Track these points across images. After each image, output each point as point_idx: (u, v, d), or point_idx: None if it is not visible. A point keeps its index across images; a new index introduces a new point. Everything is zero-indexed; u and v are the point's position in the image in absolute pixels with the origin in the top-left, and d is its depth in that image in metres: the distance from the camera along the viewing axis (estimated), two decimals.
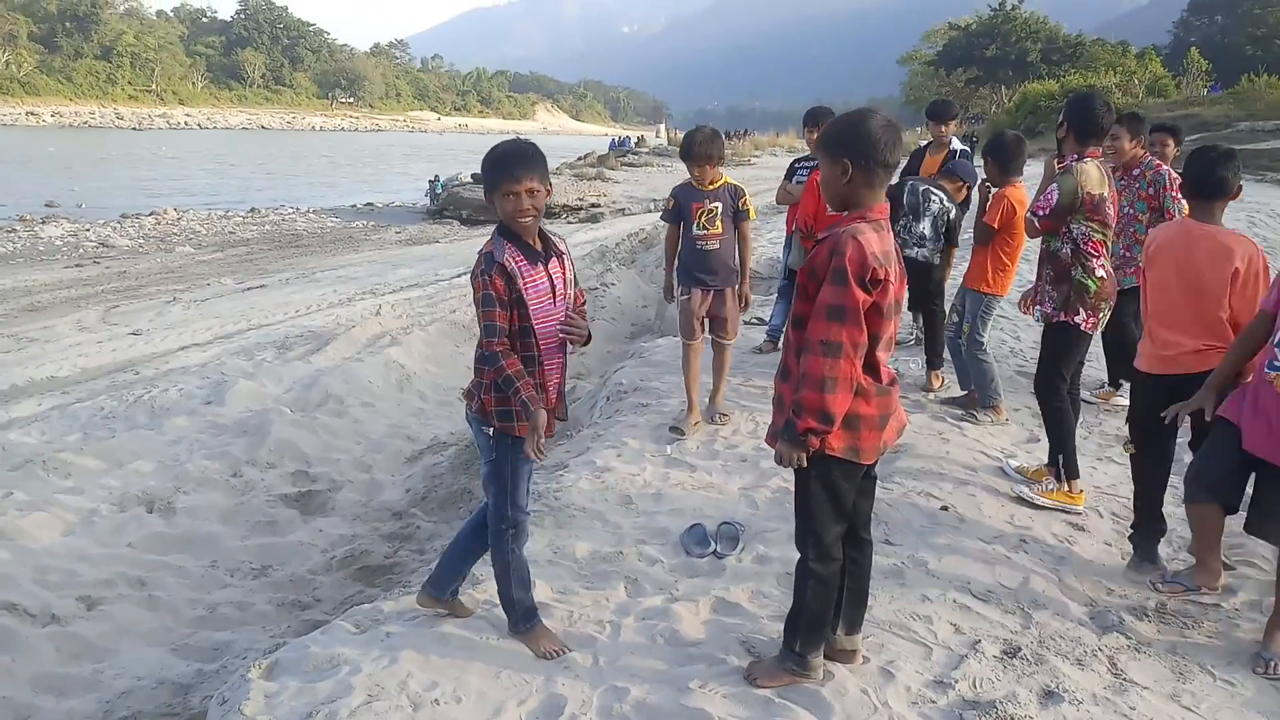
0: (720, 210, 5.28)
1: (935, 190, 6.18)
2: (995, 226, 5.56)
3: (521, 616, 3.16)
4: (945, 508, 4.35)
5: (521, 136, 3.24)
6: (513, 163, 2.91)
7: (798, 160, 7.33)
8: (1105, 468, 5.12)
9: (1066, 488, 4.53)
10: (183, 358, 9.41)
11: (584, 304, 3.24)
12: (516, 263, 2.92)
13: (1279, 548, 3.34)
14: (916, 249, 6.13)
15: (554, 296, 3.01)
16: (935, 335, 6.41)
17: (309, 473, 6.16)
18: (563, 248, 3.11)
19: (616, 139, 62.05)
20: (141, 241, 21.85)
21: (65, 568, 4.81)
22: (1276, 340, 3.23)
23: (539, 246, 3.01)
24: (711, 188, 5.30)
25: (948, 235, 6.22)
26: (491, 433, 3.03)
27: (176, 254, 20.27)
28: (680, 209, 5.36)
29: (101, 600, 4.59)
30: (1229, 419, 3.38)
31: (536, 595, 3.33)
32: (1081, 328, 4.51)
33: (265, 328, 10.87)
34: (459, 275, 14.74)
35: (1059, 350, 4.61)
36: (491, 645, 3.14)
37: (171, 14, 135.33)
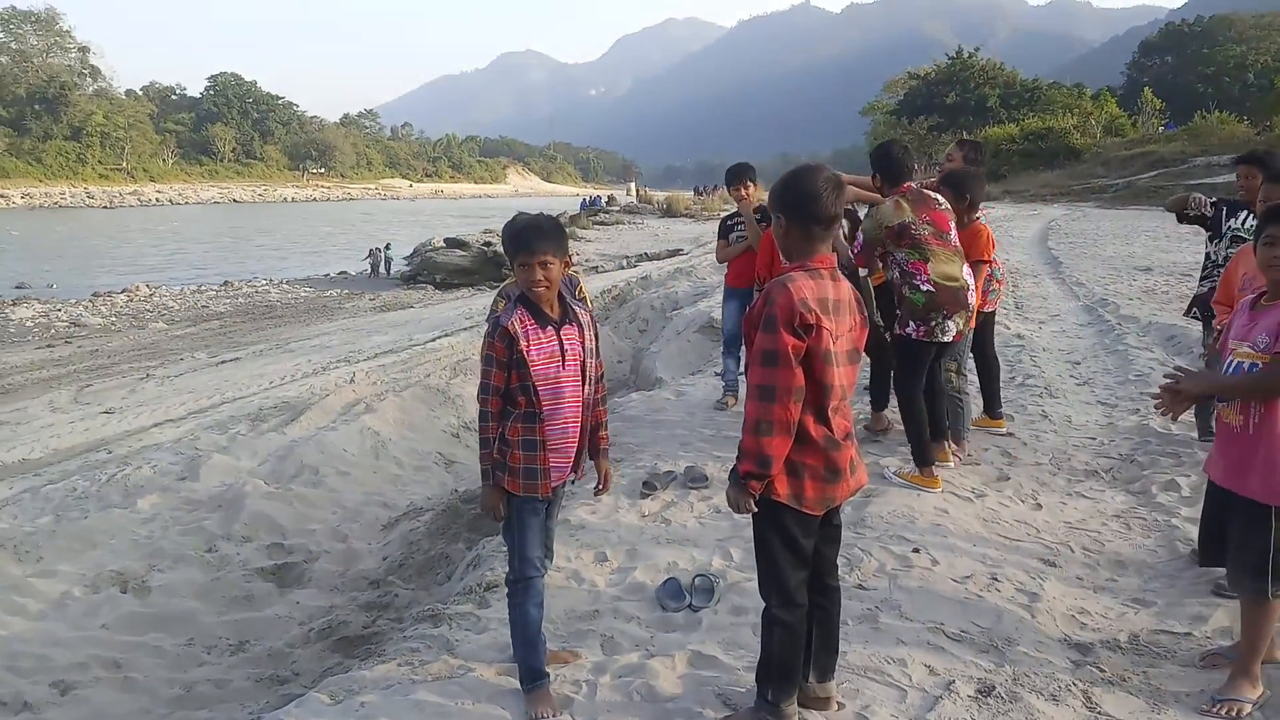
0: None
1: None
2: (989, 260, 5.78)
3: (524, 676, 3.18)
4: (917, 549, 4.39)
5: (543, 213, 3.41)
6: (530, 236, 3.09)
7: (729, 217, 7.43)
8: (1075, 502, 5.17)
9: (919, 473, 5.30)
10: (156, 434, 9.35)
11: (602, 374, 3.39)
12: (524, 325, 3.08)
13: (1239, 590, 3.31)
14: None
15: (563, 360, 3.14)
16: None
17: (284, 544, 6.12)
18: (585, 319, 3.26)
19: (588, 199, 62.77)
20: (114, 319, 21.76)
21: (37, 653, 4.74)
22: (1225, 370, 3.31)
23: (555, 313, 3.16)
24: None
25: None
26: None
27: (149, 330, 20.20)
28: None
29: (76, 684, 4.52)
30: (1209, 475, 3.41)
31: (509, 658, 3.36)
32: (913, 337, 5.24)
33: (239, 400, 10.82)
34: (433, 340, 14.78)
35: (902, 360, 5.41)
36: (467, 710, 3.12)
37: (140, 92, 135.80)
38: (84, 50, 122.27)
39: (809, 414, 2.77)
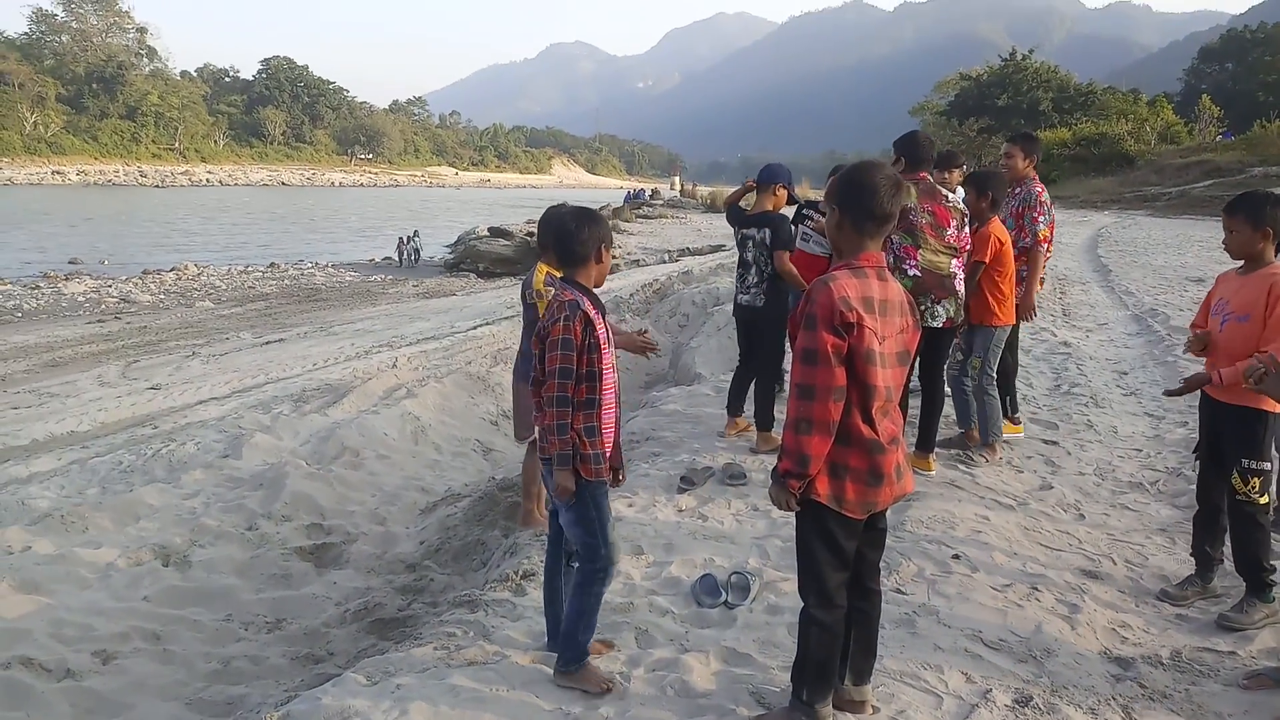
0: None
1: (753, 231, 6.21)
2: (986, 261, 5.67)
3: (574, 657, 3.21)
4: (957, 556, 4.34)
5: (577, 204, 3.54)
6: (608, 230, 3.32)
7: (801, 208, 7.33)
8: (1119, 515, 5.10)
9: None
10: (201, 412, 9.49)
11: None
12: (591, 311, 3.16)
13: None
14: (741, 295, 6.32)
15: (611, 345, 3.26)
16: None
17: (324, 525, 6.19)
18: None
19: (632, 191, 62.72)
20: (162, 297, 22.13)
21: (81, 622, 4.82)
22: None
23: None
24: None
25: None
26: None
27: (196, 309, 20.51)
28: None
29: (117, 654, 4.60)
30: None
31: (544, 647, 3.42)
32: None
33: (282, 381, 10.95)
34: (474, 328, 14.86)
35: None
36: (501, 697, 3.14)
37: (195, 74, 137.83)
38: (142, 30, 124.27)
39: (853, 415, 2.74)
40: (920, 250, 5.37)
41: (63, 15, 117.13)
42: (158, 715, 4.17)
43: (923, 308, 5.32)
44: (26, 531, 5.79)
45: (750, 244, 6.18)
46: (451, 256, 31.93)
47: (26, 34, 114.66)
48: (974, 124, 65.64)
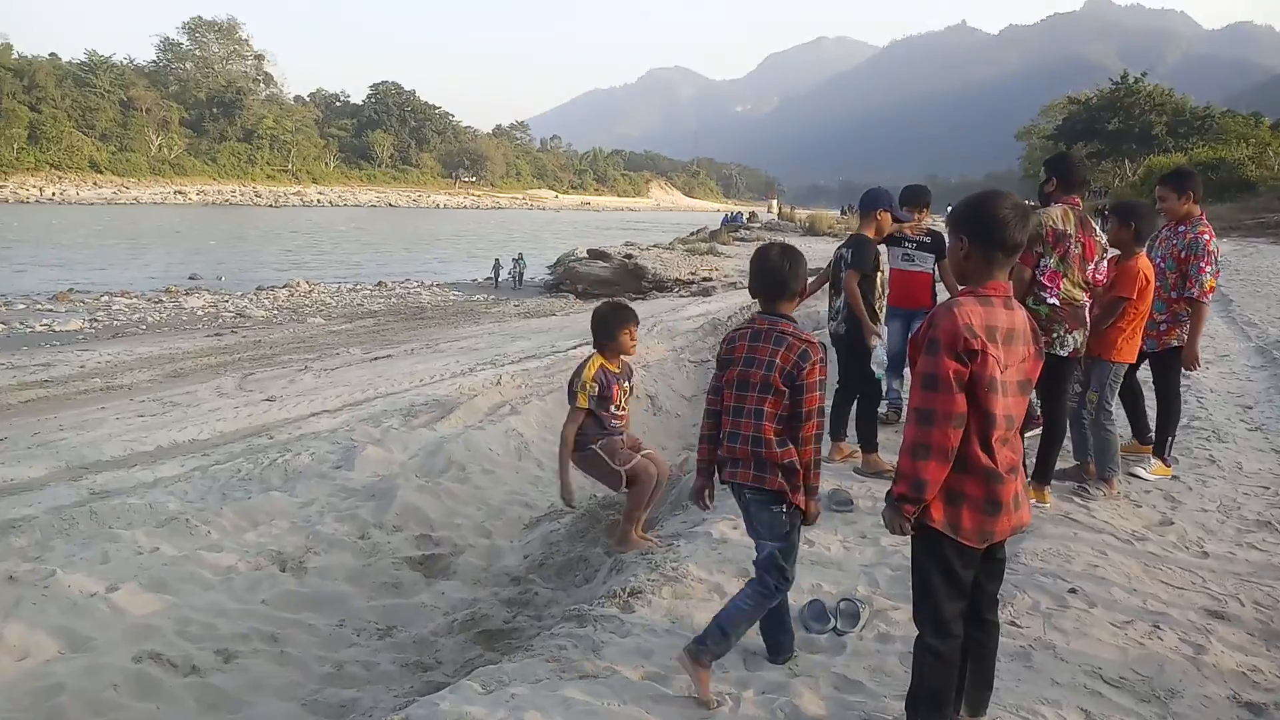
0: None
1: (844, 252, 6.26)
2: (1132, 298, 5.50)
3: (716, 654, 3.32)
4: (1073, 590, 4.23)
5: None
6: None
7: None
8: (1246, 554, 4.89)
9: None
10: (314, 424, 9.81)
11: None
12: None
13: None
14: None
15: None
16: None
17: (432, 537, 6.33)
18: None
19: (729, 214, 62.77)
20: (275, 312, 23.01)
21: (205, 621, 5.03)
22: None
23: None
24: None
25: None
26: (785, 510, 3.35)
27: (308, 324, 21.26)
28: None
29: (238, 654, 4.78)
30: None
31: (653, 664, 3.45)
32: None
33: (391, 396, 11.26)
34: (574, 347, 15.04)
35: None
36: (614, 711, 3.17)
37: (308, 99, 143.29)
38: (259, 57, 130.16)
39: (972, 442, 2.71)
40: (1065, 280, 5.30)
41: (188, 44, 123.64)
42: (275, 714, 4.31)
43: (1054, 335, 5.25)
44: (154, 534, 6.07)
45: (842, 265, 6.22)
46: (551, 278, 32.45)
47: (154, 62, 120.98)
48: (1083, 148, 63.90)
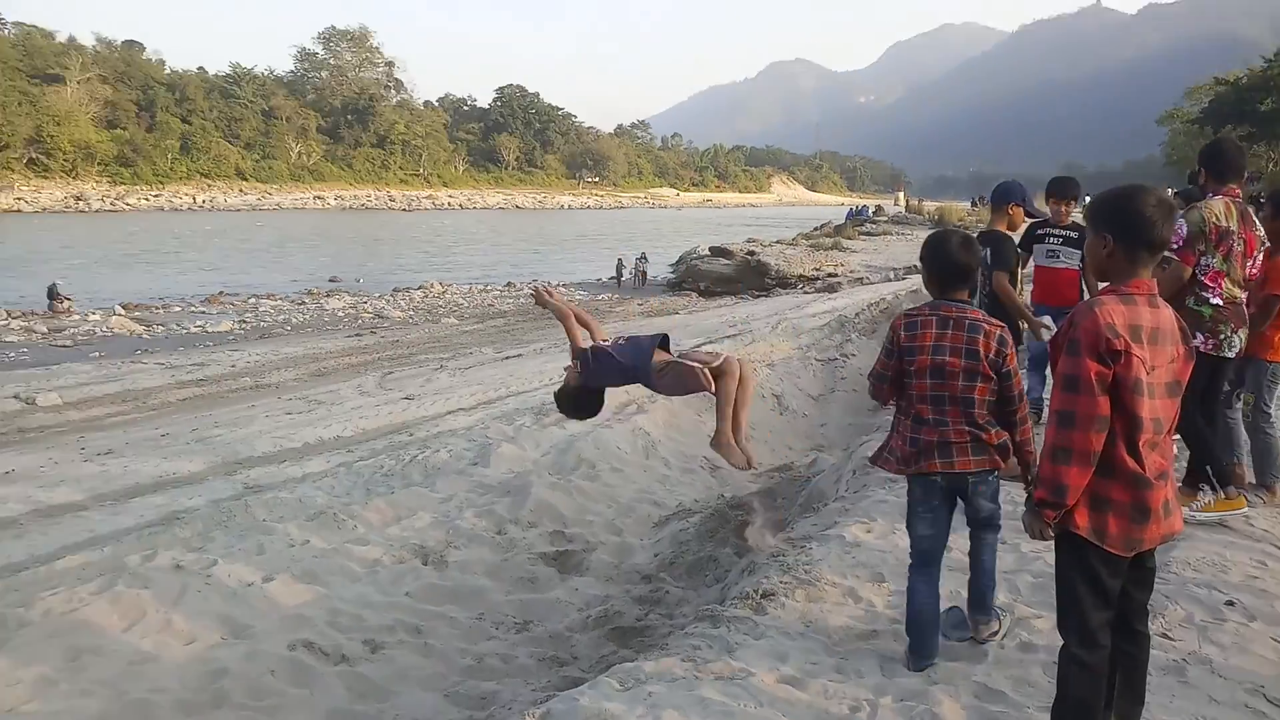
0: None
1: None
2: None
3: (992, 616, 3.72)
4: (1231, 602, 4.04)
5: None
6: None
7: (1036, 227, 7.04)
8: None
9: (1221, 498, 4.95)
10: (450, 421, 10.14)
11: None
12: None
13: None
14: None
15: None
16: None
17: (565, 533, 6.48)
18: None
19: (854, 208, 61.71)
20: (411, 313, 23.83)
21: (353, 612, 5.27)
22: None
23: None
24: None
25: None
26: (998, 476, 3.63)
27: (442, 325, 21.96)
28: None
29: (384, 645, 5.00)
30: None
31: (789, 667, 3.48)
32: (1200, 350, 4.75)
33: (523, 394, 11.53)
34: (698, 346, 15.06)
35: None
36: (750, 713, 3.20)
37: (437, 103, 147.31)
38: (390, 65, 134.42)
39: (1118, 446, 2.63)
40: (1226, 279, 4.94)
41: (323, 53, 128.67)
42: (420, 704, 4.49)
43: (1221, 336, 4.94)
44: (304, 527, 6.38)
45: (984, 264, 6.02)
46: (674, 276, 32.58)
47: (292, 71, 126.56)
48: (1232, 132, 60.31)
